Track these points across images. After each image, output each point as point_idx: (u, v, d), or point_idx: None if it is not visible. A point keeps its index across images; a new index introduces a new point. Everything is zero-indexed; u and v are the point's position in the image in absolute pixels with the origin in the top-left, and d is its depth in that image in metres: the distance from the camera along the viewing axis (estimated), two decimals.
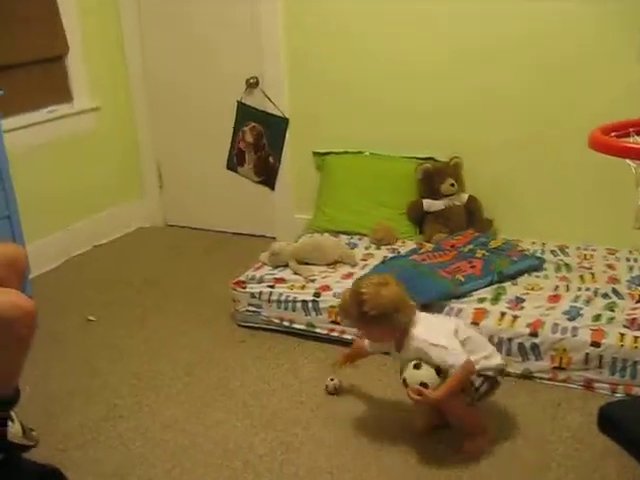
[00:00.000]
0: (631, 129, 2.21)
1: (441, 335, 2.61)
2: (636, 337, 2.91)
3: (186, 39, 4.68)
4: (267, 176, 4.71)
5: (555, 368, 3.01)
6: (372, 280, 2.64)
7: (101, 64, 4.77)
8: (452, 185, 4.06)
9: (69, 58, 4.57)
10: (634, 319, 3.02)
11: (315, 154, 4.53)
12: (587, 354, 2.93)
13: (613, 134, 2.18)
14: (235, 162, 4.75)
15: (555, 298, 3.27)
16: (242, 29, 4.48)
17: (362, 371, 3.12)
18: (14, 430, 2.53)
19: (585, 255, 3.74)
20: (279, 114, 4.51)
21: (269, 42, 4.42)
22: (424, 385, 2.54)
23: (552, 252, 3.80)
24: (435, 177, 4.08)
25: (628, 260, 3.65)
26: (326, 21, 4.28)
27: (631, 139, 2.18)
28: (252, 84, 4.53)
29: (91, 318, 3.86)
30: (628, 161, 2.09)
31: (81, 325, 3.80)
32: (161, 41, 4.79)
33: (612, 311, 3.11)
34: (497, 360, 2.70)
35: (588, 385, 2.97)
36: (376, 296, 2.56)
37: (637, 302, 3.19)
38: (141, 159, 5.12)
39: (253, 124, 4.62)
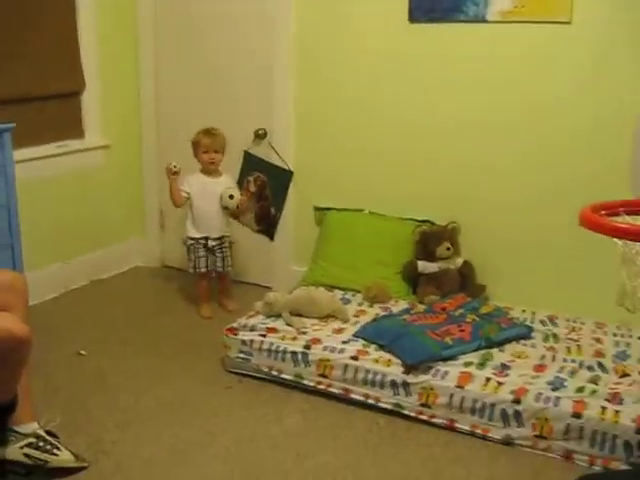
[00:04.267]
0: (621, 209, 2.30)
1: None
2: (617, 411, 2.94)
3: (200, 86, 4.85)
4: (267, 226, 4.80)
5: (536, 436, 3.04)
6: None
7: (115, 104, 4.92)
8: (448, 249, 4.14)
9: (85, 95, 4.71)
10: (616, 393, 3.06)
11: (316, 209, 4.62)
12: (568, 424, 2.97)
13: (603, 212, 2.26)
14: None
15: (540, 368, 3.32)
16: (256, 81, 4.64)
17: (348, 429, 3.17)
18: (66, 457, 2.70)
19: (574, 327, 3.78)
20: (284, 166, 4.62)
21: (280, 96, 4.57)
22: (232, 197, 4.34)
23: (541, 322, 3.85)
24: (431, 240, 4.15)
25: (615, 335, 3.70)
26: (335, 83, 4.44)
27: (620, 218, 2.26)
28: (260, 135, 4.66)
29: (82, 352, 3.91)
30: (615, 239, 2.16)
31: (72, 358, 3.85)
32: (176, 85, 4.96)
33: (595, 384, 3.16)
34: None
35: (567, 456, 2.99)
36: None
37: (621, 377, 3.24)
38: (145, 199, 5.22)
39: (258, 174, 4.72)
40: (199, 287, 4.53)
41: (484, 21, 3.90)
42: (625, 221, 2.25)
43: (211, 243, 4.39)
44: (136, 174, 5.16)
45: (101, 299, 4.68)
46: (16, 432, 2.66)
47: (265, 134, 4.65)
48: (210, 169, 4.38)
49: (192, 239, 4.41)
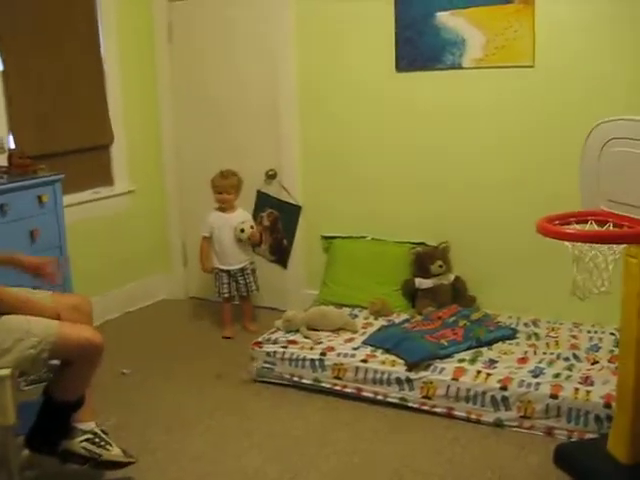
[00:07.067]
0: (572, 219, 2.87)
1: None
2: (588, 391, 3.50)
3: (215, 134, 5.47)
4: (280, 256, 5.38)
5: (521, 417, 3.59)
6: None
7: (139, 154, 5.53)
8: (440, 266, 4.70)
9: (113, 147, 5.33)
10: (587, 377, 3.63)
11: (323, 238, 5.21)
12: (547, 405, 3.52)
13: (557, 222, 2.84)
14: None
15: (523, 360, 3.88)
16: (264, 128, 5.26)
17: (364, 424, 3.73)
18: (115, 452, 3.13)
19: (553, 327, 4.34)
20: (293, 202, 5.21)
21: (286, 139, 5.19)
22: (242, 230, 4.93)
23: (525, 324, 4.41)
24: (426, 259, 4.72)
25: (589, 332, 4.26)
26: (334, 126, 5.06)
27: (571, 227, 2.83)
28: (271, 175, 5.26)
29: (125, 371, 4.45)
30: (566, 243, 2.74)
31: (116, 377, 4.38)
32: (193, 135, 5.58)
33: (570, 370, 3.72)
34: None
35: (549, 432, 3.53)
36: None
37: (592, 364, 3.80)
38: (169, 238, 5.81)
39: (270, 210, 5.31)
40: (223, 310, 5.10)
41: (460, 68, 4.53)
42: (574, 228, 2.82)
43: (234, 271, 4.98)
44: (160, 215, 5.76)
45: (135, 328, 5.23)
46: (77, 428, 3.14)
47: (275, 174, 5.25)
48: (222, 207, 4.99)
49: (215, 269, 5.01)
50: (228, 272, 4.98)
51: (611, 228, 2.82)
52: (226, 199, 4.95)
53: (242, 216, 5.03)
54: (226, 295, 5.01)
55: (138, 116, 5.51)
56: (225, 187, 4.92)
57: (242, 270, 5.01)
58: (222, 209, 4.99)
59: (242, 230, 4.92)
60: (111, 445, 3.16)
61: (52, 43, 4.81)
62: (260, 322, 5.09)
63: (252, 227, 4.99)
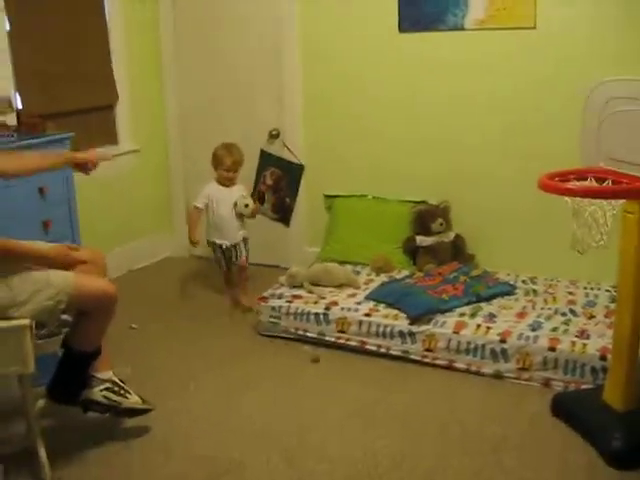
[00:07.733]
0: (571, 176, 2.97)
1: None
2: (584, 344, 3.63)
3: (219, 93, 5.52)
4: (283, 214, 5.47)
5: (520, 369, 3.71)
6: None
7: (144, 114, 5.59)
8: (441, 224, 4.80)
9: (118, 107, 5.39)
10: (584, 331, 3.75)
11: (326, 197, 5.30)
12: (545, 357, 3.64)
13: (557, 179, 2.94)
14: None
15: (522, 315, 4.01)
16: (268, 86, 5.32)
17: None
18: (134, 399, 3.27)
19: (550, 284, 4.47)
20: (296, 161, 5.28)
21: (290, 99, 5.26)
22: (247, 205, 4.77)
23: (523, 281, 4.54)
24: (427, 217, 4.82)
25: (585, 289, 4.39)
26: (338, 87, 5.12)
27: (571, 183, 2.93)
28: (274, 135, 5.32)
29: (134, 326, 4.55)
30: (566, 198, 2.84)
31: (125, 331, 4.48)
32: (197, 96, 5.63)
33: (567, 325, 3.85)
34: None
35: (546, 383, 3.66)
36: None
37: (588, 319, 3.93)
38: (172, 197, 5.88)
39: (273, 169, 5.39)
40: (223, 277, 5.04)
41: (462, 29, 4.59)
42: (574, 184, 2.92)
43: (226, 246, 4.83)
44: (163, 174, 5.85)
45: (141, 285, 5.33)
46: (96, 378, 3.26)
47: (278, 134, 5.32)
48: (226, 184, 4.82)
49: (210, 242, 4.90)
50: (220, 247, 4.86)
51: (610, 185, 2.92)
52: (232, 177, 4.80)
53: (241, 190, 4.87)
54: (224, 269, 4.96)
55: (142, 76, 5.56)
56: (235, 166, 4.77)
57: (235, 246, 4.85)
58: (223, 184, 4.83)
59: (246, 205, 4.76)
60: (130, 393, 3.29)
61: (57, 3, 4.84)
62: (263, 280, 5.12)
63: (254, 201, 4.87)
